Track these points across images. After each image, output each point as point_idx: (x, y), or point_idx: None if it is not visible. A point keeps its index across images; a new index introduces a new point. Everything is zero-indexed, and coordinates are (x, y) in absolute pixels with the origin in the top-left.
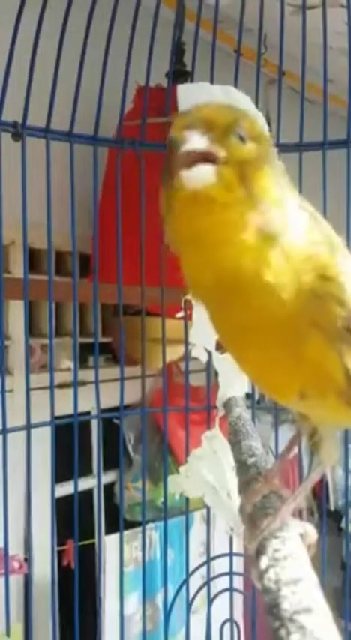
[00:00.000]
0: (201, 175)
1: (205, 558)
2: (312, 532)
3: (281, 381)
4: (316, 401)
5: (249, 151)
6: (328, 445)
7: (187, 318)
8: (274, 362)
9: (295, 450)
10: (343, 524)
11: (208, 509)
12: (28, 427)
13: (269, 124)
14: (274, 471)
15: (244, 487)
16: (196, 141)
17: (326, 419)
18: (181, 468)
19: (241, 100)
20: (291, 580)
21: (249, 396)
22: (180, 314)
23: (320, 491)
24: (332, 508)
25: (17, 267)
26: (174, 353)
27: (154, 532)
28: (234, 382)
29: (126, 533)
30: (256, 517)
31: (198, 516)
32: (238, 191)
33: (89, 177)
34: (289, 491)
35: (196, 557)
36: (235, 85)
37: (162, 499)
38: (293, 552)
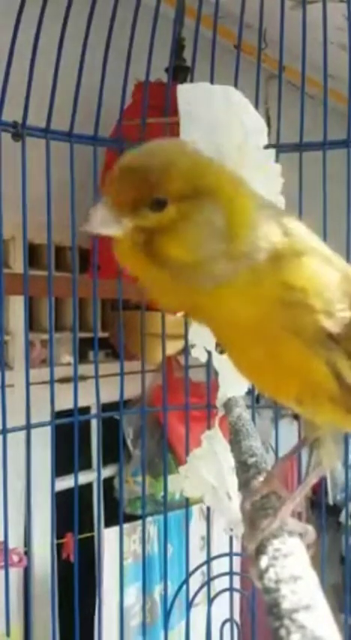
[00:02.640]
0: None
1: (204, 552)
2: (311, 531)
3: (276, 386)
4: (312, 407)
5: (161, 218)
6: (329, 447)
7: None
8: (264, 370)
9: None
10: (341, 519)
11: (209, 506)
12: (27, 427)
13: (269, 121)
14: (273, 472)
15: (244, 487)
16: (97, 222)
17: (327, 423)
18: (181, 468)
19: (240, 101)
20: (291, 579)
21: (249, 393)
22: (180, 313)
23: (319, 486)
24: (331, 503)
25: (17, 263)
26: (173, 347)
27: (152, 526)
28: (234, 382)
29: (124, 526)
30: (255, 517)
31: (197, 510)
32: (141, 252)
33: (89, 175)
34: (288, 492)
35: (195, 551)
36: (236, 81)
37: (162, 493)
38: (293, 552)
